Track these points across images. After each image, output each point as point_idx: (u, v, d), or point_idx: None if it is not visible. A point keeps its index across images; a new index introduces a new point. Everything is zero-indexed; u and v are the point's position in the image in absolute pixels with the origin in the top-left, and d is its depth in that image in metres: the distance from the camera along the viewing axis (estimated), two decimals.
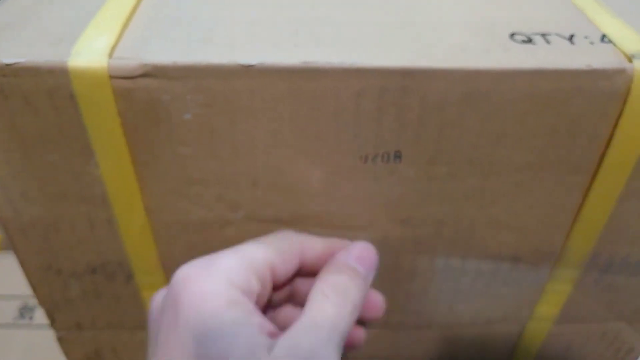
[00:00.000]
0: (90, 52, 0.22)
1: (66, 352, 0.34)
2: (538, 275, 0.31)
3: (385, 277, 0.30)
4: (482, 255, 0.30)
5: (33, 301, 0.53)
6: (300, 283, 0.26)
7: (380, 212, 0.27)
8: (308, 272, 0.25)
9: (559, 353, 0.36)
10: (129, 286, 0.30)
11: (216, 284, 0.21)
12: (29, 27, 0.23)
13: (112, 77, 0.21)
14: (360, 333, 0.27)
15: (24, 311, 0.53)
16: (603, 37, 0.24)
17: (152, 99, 0.22)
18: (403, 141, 0.24)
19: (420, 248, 0.29)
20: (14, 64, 0.21)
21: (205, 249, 0.28)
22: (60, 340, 0.33)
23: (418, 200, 0.27)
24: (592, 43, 0.24)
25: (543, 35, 0.25)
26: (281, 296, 0.26)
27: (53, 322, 0.32)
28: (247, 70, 0.22)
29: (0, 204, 0.26)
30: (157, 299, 0.23)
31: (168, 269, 0.29)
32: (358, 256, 0.25)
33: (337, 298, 0.22)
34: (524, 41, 0.24)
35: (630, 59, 0.23)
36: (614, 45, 0.24)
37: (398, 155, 0.25)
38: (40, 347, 0.49)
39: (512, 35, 0.24)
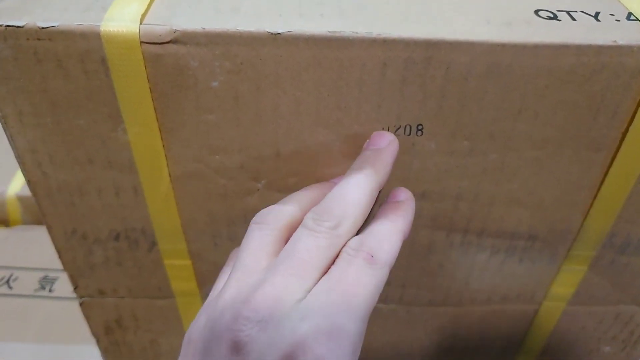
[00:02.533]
0: (122, 18, 0.22)
1: (88, 318, 0.35)
2: (554, 254, 0.31)
3: (401, 252, 0.31)
4: (499, 232, 0.30)
5: (53, 273, 0.55)
6: None
7: (399, 184, 0.27)
8: None
9: (572, 334, 0.36)
10: (152, 254, 0.31)
11: (342, 355, 0.19)
12: None
13: (142, 42, 0.22)
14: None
15: (44, 283, 0.54)
16: (629, 15, 0.24)
17: (181, 65, 0.23)
18: (425, 114, 0.24)
19: (437, 223, 0.29)
20: (48, 27, 0.22)
21: (227, 217, 0.29)
22: (83, 305, 0.34)
23: (437, 174, 0.27)
24: (617, 20, 0.24)
25: (568, 12, 0.25)
26: None
27: (76, 288, 0.33)
28: (274, 39, 0.22)
29: (29, 167, 0.26)
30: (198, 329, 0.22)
31: (190, 237, 0.30)
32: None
33: None
34: (549, 17, 0.24)
35: None
36: None
37: (420, 128, 0.25)
38: (59, 318, 0.50)
39: (537, 11, 0.24)
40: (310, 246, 0.20)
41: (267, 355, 0.19)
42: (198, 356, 0.21)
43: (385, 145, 0.24)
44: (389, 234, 0.22)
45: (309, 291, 0.20)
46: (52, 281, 0.54)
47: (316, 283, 0.20)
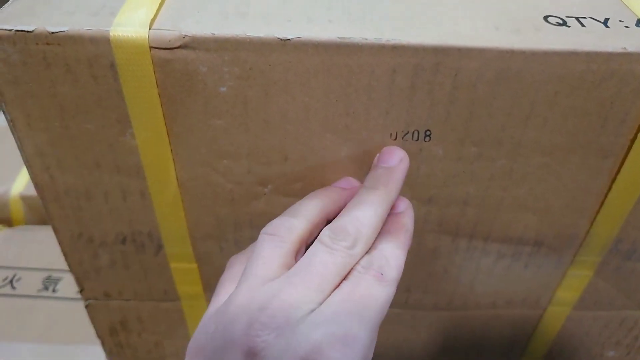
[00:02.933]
0: (131, 23, 0.22)
1: (93, 320, 0.35)
2: (560, 260, 0.31)
3: (406, 256, 0.31)
4: (505, 238, 0.30)
5: (57, 274, 0.55)
6: None
7: (405, 190, 0.27)
8: None
9: (576, 338, 0.36)
10: (158, 257, 0.31)
11: None
12: None
13: (152, 47, 0.22)
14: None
15: (48, 283, 0.54)
16: (638, 22, 0.24)
17: (190, 70, 0.22)
18: (434, 119, 0.24)
19: (444, 228, 0.29)
20: (58, 32, 0.22)
21: (233, 221, 0.29)
22: (88, 308, 0.34)
23: (444, 180, 0.27)
24: (627, 27, 0.24)
25: (577, 18, 0.25)
26: None
27: (82, 290, 0.33)
28: (283, 44, 0.22)
29: (36, 170, 0.26)
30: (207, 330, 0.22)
31: (196, 241, 0.30)
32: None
33: None
34: (558, 23, 0.24)
35: None
36: None
37: (428, 134, 0.25)
38: (63, 318, 0.50)
39: (546, 17, 0.24)
40: (327, 262, 0.21)
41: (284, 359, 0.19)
42: None
43: (396, 164, 0.25)
44: (395, 250, 0.23)
45: (321, 303, 0.21)
46: (56, 281, 0.54)
47: (329, 296, 0.21)
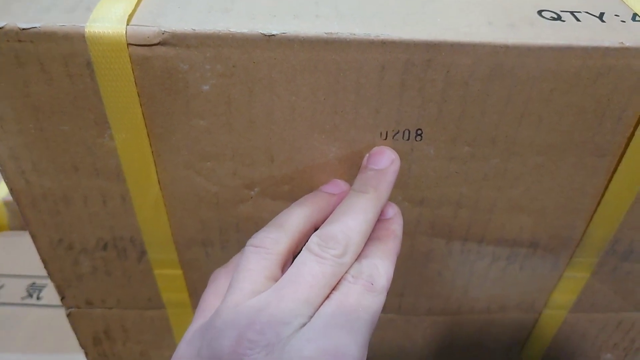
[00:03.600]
0: (108, 18, 0.21)
1: (75, 329, 0.34)
2: (556, 262, 0.30)
3: (399, 260, 0.30)
4: (500, 240, 0.29)
5: (41, 281, 0.53)
6: None
7: (397, 191, 0.26)
8: None
9: (573, 341, 0.36)
10: (141, 264, 0.29)
11: None
12: None
13: (129, 44, 0.21)
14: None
15: (32, 290, 0.53)
16: (635, 16, 0.24)
17: (170, 67, 0.21)
18: (425, 118, 0.23)
19: (437, 230, 0.28)
20: (30, 28, 0.21)
21: (219, 226, 0.28)
22: (70, 316, 0.33)
23: (436, 180, 0.26)
24: (623, 21, 0.23)
25: (572, 13, 0.24)
26: None
27: (63, 298, 0.31)
28: (267, 40, 0.21)
29: (11, 175, 0.25)
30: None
31: (180, 246, 0.29)
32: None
33: None
34: (552, 18, 0.23)
35: None
36: None
37: (419, 133, 0.24)
38: (48, 326, 0.49)
39: (540, 12, 0.24)
40: (316, 272, 0.21)
41: None
42: None
43: (387, 166, 0.24)
44: (384, 256, 0.22)
45: (311, 316, 0.20)
46: (40, 288, 0.53)
47: (319, 307, 0.20)
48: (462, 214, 0.28)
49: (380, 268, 0.22)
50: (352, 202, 0.23)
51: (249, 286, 0.21)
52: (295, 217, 0.23)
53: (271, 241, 0.22)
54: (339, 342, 0.19)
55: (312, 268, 0.21)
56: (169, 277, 0.30)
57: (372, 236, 0.23)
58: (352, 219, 0.22)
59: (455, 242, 0.29)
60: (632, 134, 0.24)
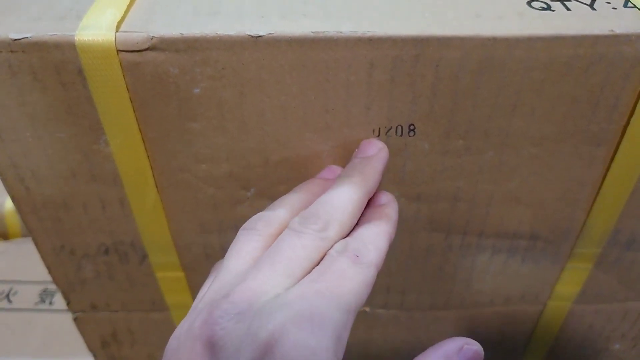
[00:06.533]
0: (97, 26, 0.21)
1: (83, 334, 0.34)
2: (557, 253, 0.30)
3: (399, 256, 0.30)
4: (499, 233, 0.29)
5: (53, 286, 0.54)
6: None
7: (393, 187, 0.26)
8: None
9: (579, 333, 0.35)
10: (143, 267, 0.30)
11: (325, 340, 0.18)
12: (35, 3, 0.23)
13: (119, 50, 0.21)
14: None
15: (45, 296, 0.53)
16: (626, 2, 0.23)
17: (161, 72, 0.22)
18: (417, 113, 0.23)
19: (435, 225, 0.28)
20: (21, 39, 0.21)
21: (218, 227, 0.28)
22: (77, 321, 0.33)
23: (432, 175, 0.26)
24: (614, 8, 0.23)
25: (562, 2, 0.24)
26: None
27: (69, 303, 0.32)
28: (255, 42, 0.21)
29: (11, 183, 0.26)
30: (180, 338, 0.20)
31: (181, 249, 0.29)
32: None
33: None
34: (542, 8, 0.23)
35: None
36: (639, 9, 0.23)
37: (412, 129, 0.24)
38: (60, 331, 0.49)
39: (529, 2, 0.23)
40: (295, 245, 0.20)
41: (244, 346, 0.17)
42: None
43: (374, 153, 0.24)
44: (374, 235, 0.21)
45: (289, 288, 0.19)
46: (52, 294, 0.53)
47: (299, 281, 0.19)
48: (459, 208, 0.28)
49: (368, 244, 0.21)
50: (336, 184, 0.22)
51: (234, 266, 0.20)
52: (288, 201, 0.23)
53: (262, 223, 0.22)
54: (317, 307, 0.18)
55: (290, 242, 0.20)
56: (171, 279, 0.30)
57: (362, 219, 0.22)
58: (336, 197, 0.21)
59: (454, 236, 0.29)
60: (628, 122, 0.24)
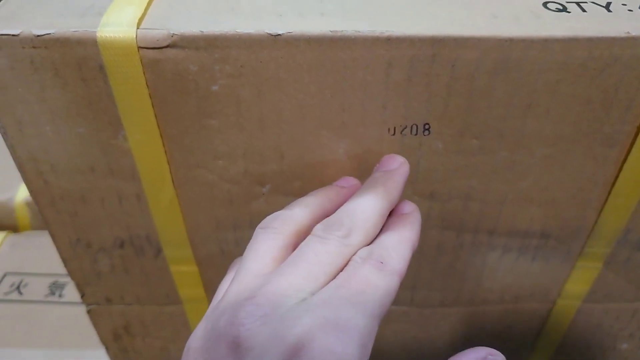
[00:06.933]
0: (119, 23, 0.22)
1: (96, 326, 0.35)
2: (568, 252, 0.30)
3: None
4: (511, 231, 0.29)
5: (63, 279, 0.55)
6: None
7: (406, 186, 0.26)
8: None
9: (588, 332, 0.36)
10: (158, 261, 0.30)
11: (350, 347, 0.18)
12: (57, 0, 0.23)
13: (140, 47, 0.21)
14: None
15: (54, 288, 0.54)
16: None
17: (180, 69, 0.22)
18: (432, 113, 0.24)
19: (447, 223, 0.29)
20: (44, 35, 0.21)
21: (233, 222, 0.28)
22: (90, 313, 0.33)
23: (445, 174, 0.26)
24: (630, 10, 0.23)
25: (578, 3, 0.24)
26: None
27: (83, 296, 0.32)
28: (274, 40, 0.21)
29: (30, 176, 0.26)
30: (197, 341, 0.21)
31: (195, 243, 0.29)
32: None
33: None
34: (558, 9, 0.23)
35: None
36: None
37: (427, 128, 0.24)
38: (70, 323, 0.50)
39: (545, 3, 0.24)
40: (319, 250, 0.20)
41: (271, 349, 0.18)
42: None
43: (396, 167, 0.24)
44: (397, 244, 0.21)
45: (314, 293, 0.19)
46: (62, 286, 0.54)
47: (323, 287, 0.19)
48: (472, 207, 0.28)
49: (392, 251, 0.21)
50: (359, 194, 0.23)
51: (255, 266, 0.20)
52: (304, 202, 0.23)
53: (279, 221, 0.22)
54: (342, 314, 0.18)
55: (314, 247, 0.20)
56: (185, 273, 0.31)
57: (385, 228, 0.23)
58: (359, 206, 0.22)
59: (466, 234, 0.29)
60: None
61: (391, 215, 0.24)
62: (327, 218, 0.22)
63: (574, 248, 0.30)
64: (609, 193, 0.27)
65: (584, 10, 0.23)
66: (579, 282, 0.32)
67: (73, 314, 0.51)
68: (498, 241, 0.30)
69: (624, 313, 0.35)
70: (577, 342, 0.36)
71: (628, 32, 0.22)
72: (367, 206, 0.22)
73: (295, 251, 0.21)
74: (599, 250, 0.30)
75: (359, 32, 0.21)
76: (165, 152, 0.25)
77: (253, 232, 0.28)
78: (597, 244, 0.30)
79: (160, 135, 0.24)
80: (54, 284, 0.54)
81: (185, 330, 0.35)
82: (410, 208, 0.24)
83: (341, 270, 0.20)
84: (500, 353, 0.21)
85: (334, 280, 0.20)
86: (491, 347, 0.22)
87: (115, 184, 0.26)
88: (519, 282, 0.32)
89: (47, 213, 0.28)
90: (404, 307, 0.33)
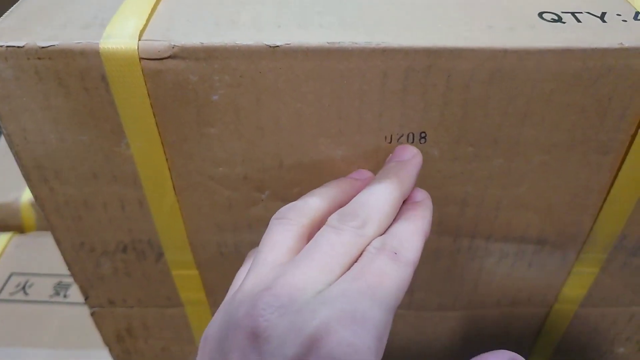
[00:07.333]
0: (121, 34, 0.22)
1: (99, 327, 0.35)
2: (564, 258, 0.31)
3: None
4: (507, 237, 0.30)
5: (67, 279, 0.55)
6: None
7: None
8: None
9: (585, 336, 0.36)
10: (159, 265, 0.31)
11: (367, 340, 0.18)
12: (61, 12, 0.24)
13: (141, 58, 0.22)
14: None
15: (59, 289, 0.54)
16: (637, 15, 0.24)
17: (181, 79, 0.22)
18: (428, 121, 0.24)
19: (444, 228, 0.29)
20: (48, 46, 0.22)
21: (233, 227, 0.29)
22: (94, 315, 0.34)
23: (441, 180, 0.27)
24: (624, 21, 0.23)
25: (573, 13, 0.24)
26: None
27: (87, 298, 0.33)
28: (272, 51, 0.22)
29: (35, 183, 0.27)
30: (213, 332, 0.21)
31: (196, 247, 0.30)
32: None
33: None
34: (553, 20, 0.24)
35: None
36: None
37: (423, 136, 0.25)
38: (75, 323, 0.51)
39: (540, 14, 0.24)
40: (334, 241, 0.20)
41: (289, 340, 0.18)
42: (214, 353, 0.20)
43: (409, 158, 0.24)
44: (411, 234, 0.22)
45: (330, 284, 0.19)
46: (67, 287, 0.55)
47: (339, 277, 0.20)
48: (468, 213, 0.28)
49: (405, 242, 0.21)
50: (373, 184, 0.23)
51: (271, 258, 0.21)
52: (319, 193, 0.23)
53: (294, 212, 0.22)
54: (359, 306, 0.18)
55: (329, 238, 0.20)
56: (186, 277, 0.31)
57: (398, 217, 0.23)
58: (373, 197, 0.22)
59: (462, 239, 0.30)
60: (636, 132, 0.25)
61: (404, 203, 0.24)
62: (342, 208, 0.22)
63: (570, 254, 0.30)
64: (605, 199, 0.27)
65: (578, 21, 0.23)
66: (575, 286, 0.32)
67: (78, 314, 0.51)
68: (495, 246, 0.30)
69: (620, 317, 0.35)
70: (575, 345, 0.37)
71: (621, 43, 0.22)
72: (381, 197, 0.22)
73: (310, 242, 0.21)
74: (595, 256, 0.30)
75: (355, 43, 0.22)
76: (166, 159, 0.25)
77: (252, 236, 0.29)
78: (593, 250, 0.30)
79: (162, 143, 0.25)
80: (58, 284, 0.55)
81: (186, 332, 0.35)
82: (422, 196, 0.24)
83: (355, 261, 0.20)
84: (523, 358, 0.21)
85: (349, 271, 0.20)
86: (488, 350, 0.22)
87: (117, 190, 0.27)
88: (516, 287, 0.32)
89: (52, 218, 0.28)
90: (402, 310, 0.34)
